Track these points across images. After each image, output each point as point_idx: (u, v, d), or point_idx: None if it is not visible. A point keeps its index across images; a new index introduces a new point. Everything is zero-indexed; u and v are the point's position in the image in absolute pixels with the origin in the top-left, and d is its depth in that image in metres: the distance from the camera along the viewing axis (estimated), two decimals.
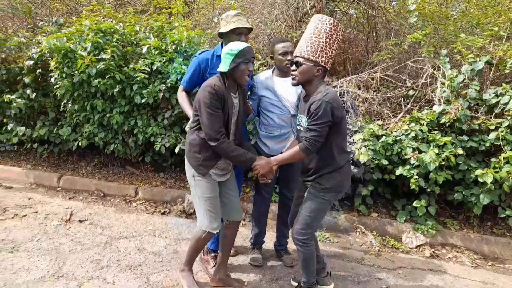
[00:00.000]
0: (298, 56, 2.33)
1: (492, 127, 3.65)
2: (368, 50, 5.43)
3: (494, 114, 3.71)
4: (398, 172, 3.77)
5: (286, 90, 2.95)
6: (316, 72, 2.31)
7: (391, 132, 3.98)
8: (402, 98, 4.40)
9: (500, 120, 3.63)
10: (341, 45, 5.72)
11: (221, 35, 2.84)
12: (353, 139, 3.96)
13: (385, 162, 3.80)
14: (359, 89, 4.55)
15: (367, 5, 5.15)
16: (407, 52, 4.66)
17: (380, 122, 4.14)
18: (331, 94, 2.22)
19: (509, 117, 3.57)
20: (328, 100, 2.19)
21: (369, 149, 3.83)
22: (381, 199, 4.44)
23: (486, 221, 4.13)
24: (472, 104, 3.87)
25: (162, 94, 4.10)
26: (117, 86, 4.12)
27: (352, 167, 3.93)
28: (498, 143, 3.61)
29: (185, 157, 2.55)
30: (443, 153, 3.63)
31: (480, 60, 3.89)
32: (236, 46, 2.32)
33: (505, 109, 3.62)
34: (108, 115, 4.27)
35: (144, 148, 4.77)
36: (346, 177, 2.45)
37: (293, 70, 2.37)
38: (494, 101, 3.73)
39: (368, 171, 3.99)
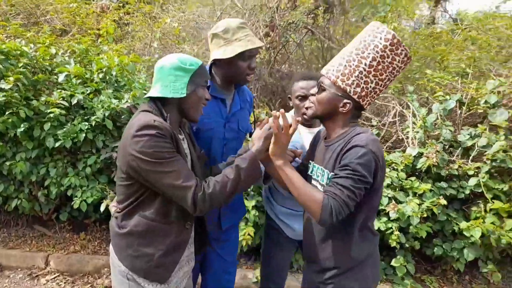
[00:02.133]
0: (324, 76, 1.56)
1: (471, 172, 3.30)
2: None
3: (471, 157, 3.38)
4: (375, 226, 3.23)
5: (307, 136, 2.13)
6: (342, 106, 1.51)
7: None
8: None
9: (478, 164, 3.30)
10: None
11: (216, 62, 1.87)
12: None
13: None
14: None
15: (323, 35, 4.77)
16: None
17: None
18: (376, 143, 1.45)
19: (488, 162, 3.24)
20: (374, 150, 1.41)
21: None
22: None
23: (464, 274, 3.73)
24: (446, 146, 3.52)
25: (84, 135, 3.19)
26: (22, 125, 3.14)
27: None
28: (477, 190, 3.27)
29: (113, 259, 1.58)
30: (423, 203, 3.18)
31: (451, 99, 3.59)
32: (190, 59, 1.55)
33: (484, 153, 3.30)
34: (8, 162, 3.23)
35: (60, 202, 3.74)
36: (377, 266, 1.68)
37: (312, 95, 1.60)
38: (469, 143, 3.41)
39: None
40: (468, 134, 3.45)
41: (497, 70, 3.86)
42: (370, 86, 1.48)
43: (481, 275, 3.67)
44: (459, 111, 3.61)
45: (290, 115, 2.20)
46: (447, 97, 3.60)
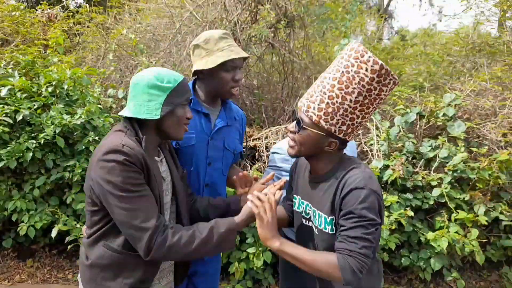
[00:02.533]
0: (302, 112, 1.39)
1: (434, 183, 3.38)
2: (284, 97, 5.01)
3: (433, 168, 3.47)
4: None
5: None
6: (328, 145, 1.39)
7: None
8: None
9: (441, 175, 3.40)
10: (255, 91, 5.23)
11: (198, 74, 1.77)
12: None
13: None
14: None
15: (284, 49, 4.77)
16: None
17: None
18: (373, 179, 1.33)
19: (450, 172, 3.35)
20: (375, 189, 1.30)
21: None
22: None
23: (429, 283, 3.79)
24: (410, 158, 3.60)
25: (31, 154, 2.87)
26: None
27: None
28: (441, 200, 3.35)
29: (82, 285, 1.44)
30: (391, 215, 3.20)
31: (411, 112, 3.69)
32: (169, 75, 1.38)
33: (445, 164, 3.40)
34: None
35: (3, 227, 3.34)
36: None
37: (291, 132, 1.43)
38: (431, 154, 3.51)
39: None
40: (429, 146, 3.55)
41: (451, 84, 4.04)
42: (357, 122, 1.36)
43: (446, 283, 3.75)
44: (419, 124, 3.72)
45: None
46: (408, 110, 3.70)
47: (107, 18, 4.53)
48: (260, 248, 3.13)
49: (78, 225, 2.99)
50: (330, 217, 1.38)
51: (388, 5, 10.95)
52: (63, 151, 3.09)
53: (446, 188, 3.28)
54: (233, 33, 4.17)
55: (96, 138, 3.09)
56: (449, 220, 3.28)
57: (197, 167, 1.79)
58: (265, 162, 3.82)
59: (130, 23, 4.51)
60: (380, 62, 1.29)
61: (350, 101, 1.31)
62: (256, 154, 3.94)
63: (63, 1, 4.72)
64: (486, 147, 3.39)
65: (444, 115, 3.59)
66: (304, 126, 1.37)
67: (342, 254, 1.27)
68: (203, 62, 1.68)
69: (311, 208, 1.49)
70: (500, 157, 3.16)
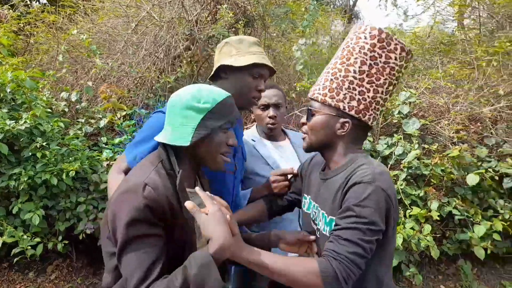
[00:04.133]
0: (312, 99, 1.30)
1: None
2: None
3: (389, 166, 3.53)
4: None
5: (284, 160, 1.91)
6: (341, 127, 1.23)
7: None
8: None
9: (396, 172, 3.46)
10: None
11: (221, 72, 1.61)
12: None
13: None
14: None
15: None
16: (296, 101, 4.33)
17: None
18: (385, 176, 1.13)
19: (405, 169, 3.41)
20: (385, 187, 1.08)
21: None
22: None
23: None
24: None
25: None
26: None
27: None
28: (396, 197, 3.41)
29: None
30: None
31: None
32: (209, 93, 1.18)
33: (401, 161, 3.46)
34: None
35: None
36: None
37: (303, 124, 1.32)
38: (387, 152, 3.56)
39: None
40: (386, 144, 3.60)
41: (407, 82, 4.12)
42: (368, 96, 1.20)
43: (404, 278, 3.82)
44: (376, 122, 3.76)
45: (250, 136, 2.03)
46: None
47: (59, 18, 4.35)
48: None
49: (25, 236, 2.85)
50: (330, 217, 1.22)
51: (354, 5, 11.14)
52: (8, 158, 2.94)
53: (401, 185, 3.34)
54: (190, 33, 4.10)
55: (44, 144, 2.96)
56: (405, 216, 3.34)
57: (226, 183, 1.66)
58: None
59: (83, 23, 4.35)
60: (378, 27, 1.21)
61: (354, 71, 1.20)
62: None
63: (13, 0, 4.50)
64: (437, 144, 3.47)
65: (399, 113, 3.65)
66: (312, 111, 1.27)
67: (326, 256, 1.07)
68: (233, 59, 1.56)
69: (317, 209, 1.32)
70: (451, 153, 3.24)
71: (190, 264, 1.02)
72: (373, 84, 1.20)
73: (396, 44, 1.20)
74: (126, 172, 1.45)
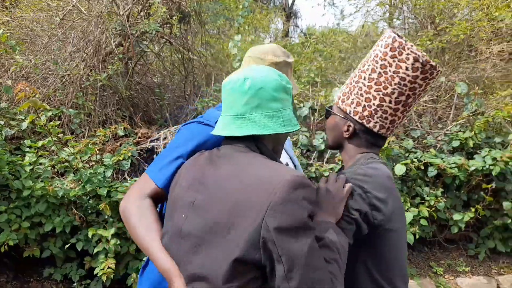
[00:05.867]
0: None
1: (326, 173, 3.56)
2: (186, 95, 4.89)
3: (325, 160, 3.65)
4: None
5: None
6: (346, 130, 1.27)
7: None
8: None
9: (332, 165, 3.59)
10: (156, 90, 5.02)
11: None
12: None
13: None
14: None
15: (182, 46, 4.63)
16: None
17: None
18: (368, 171, 1.15)
19: (340, 162, 3.55)
20: (358, 179, 1.13)
21: None
22: None
23: None
24: (304, 151, 3.74)
25: None
26: None
27: None
28: None
29: None
30: None
31: (304, 106, 3.84)
32: (280, 72, 1.08)
33: (336, 154, 3.60)
34: None
35: None
36: None
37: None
38: (323, 146, 3.68)
39: None
40: (322, 138, 3.72)
41: (340, 79, 4.29)
42: (374, 104, 1.21)
43: None
44: (312, 117, 3.88)
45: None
46: (301, 104, 3.84)
47: None
48: None
49: None
50: None
51: (292, 4, 11.39)
52: None
53: None
54: (122, 29, 3.92)
55: None
56: None
57: None
58: None
59: (0, 16, 3.98)
60: (394, 35, 1.21)
61: (364, 78, 1.23)
62: (155, 156, 3.77)
63: None
64: None
65: None
66: (329, 111, 1.35)
67: None
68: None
69: None
70: None
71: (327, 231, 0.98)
72: (380, 93, 1.21)
73: (408, 54, 1.17)
74: (154, 196, 1.21)
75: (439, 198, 3.67)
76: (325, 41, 6.12)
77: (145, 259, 1.40)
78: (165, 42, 4.62)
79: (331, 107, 1.36)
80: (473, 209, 3.63)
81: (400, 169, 3.33)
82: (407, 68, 1.17)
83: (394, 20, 5.89)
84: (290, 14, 10.11)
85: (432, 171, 3.70)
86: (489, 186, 3.56)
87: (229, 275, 0.86)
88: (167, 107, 4.70)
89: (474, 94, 3.83)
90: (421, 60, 1.17)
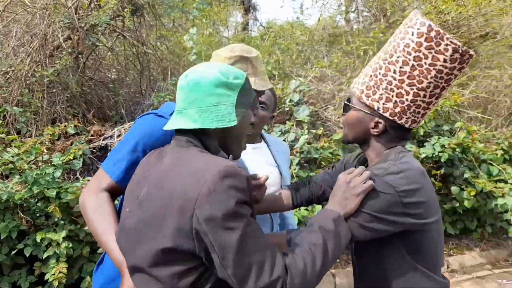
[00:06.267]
0: (351, 93, 1.26)
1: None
2: (143, 91, 4.75)
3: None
4: None
5: (258, 163, 1.71)
6: (374, 127, 1.19)
7: None
8: None
9: (291, 157, 3.62)
10: (110, 86, 4.85)
11: None
12: None
13: None
14: None
15: (136, 40, 4.48)
16: None
17: None
18: (402, 167, 1.10)
19: (297, 154, 3.58)
20: (393, 181, 1.06)
21: None
22: None
23: None
24: None
25: None
26: None
27: None
28: (292, 181, 3.59)
29: None
30: None
31: None
32: (234, 70, 1.08)
33: (294, 146, 3.63)
34: None
35: None
36: None
37: (342, 115, 1.30)
38: (281, 139, 3.71)
39: None
40: (280, 131, 3.75)
41: (297, 71, 4.33)
42: (407, 99, 1.12)
43: None
44: None
45: None
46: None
47: None
48: None
49: None
50: None
51: None
52: None
53: (295, 170, 3.50)
54: (71, 22, 3.74)
55: None
56: None
57: None
58: None
59: None
60: (428, 22, 1.08)
61: (394, 71, 1.11)
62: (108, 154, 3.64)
63: None
64: (322, 128, 3.72)
65: (290, 101, 3.82)
66: (349, 105, 1.24)
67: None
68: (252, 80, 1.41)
69: None
70: (335, 137, 3.50)
71: (323, 223, 1.04)
72: (414, 87, 1.11)
73: (447, 45, 1.06)
74: (110, 190, 1.23)
75: None
76: (283, 35, 6.17)
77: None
78: (118, 35, 4.45)
79: (349, 100, 1.26)
80: None
81: None
82: (445, 60, 1.08)
83: (349, 13, 6.02)
84: (249, 8, 10.05)
85: None
86: (438, 172, 3.74)
87: (160, 264, 0.91)
88: (123, 103, 4.54)
89: None
90: (460, 51, 1.07)
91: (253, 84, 1.38)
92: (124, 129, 3.75)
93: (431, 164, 3.82)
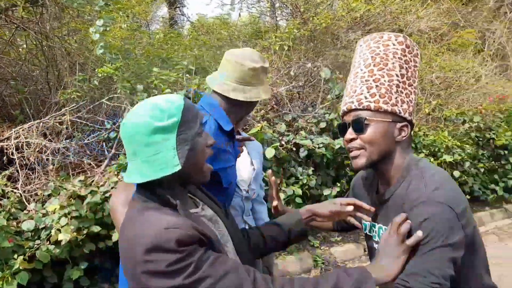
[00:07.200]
0: (357, 109, 1.18)
1: None
2: (50, 87, 4.38)
3: None
4: (115, 238, 2.99)
5: (239, 159, 1.79)
6: (399, 133, 1.18)
7: (98, 188, 3.16)
8: (104, 143, 3.69)
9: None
10: (11, 82, 4.41)
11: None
12: (47, 210, 2.88)
13: (96, 228, 2.93)
14: (46, 137, 3.47)
15: (39, 33, 4.12)
16: (100, 89, 3.99)
17: (82, 177, 3.24)
18: (446, 187, 1.10)
19: None
20: (450, 203, 1.04)
21: (72, 218, 2.85)
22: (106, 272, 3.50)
23: None
24: None
25: None
26: None
27: (52, 247, 2.85)
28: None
29: None
30: None
31: (179, 94, 3.74)
32: (167, 105, 0.97)
33: None
34: None
35: None
36: None
37: (351, 140, 1.19)
38: None
39: (76, 245, 3.00)
40: None
41: (215, 66, 4.28)
42: (412, 98, 1.22)
43: None
44: None
45: None
46: (174, 93, 3.73)
47: None
48: (7, 271, 2.61)
49: None
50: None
51: None
52: None
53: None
54: None
55: None
56: None
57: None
58: (18, 166, 3.21)
59: None
60: (401, 34, 1.27)
61: (397, 75, 1.19)
62: (5, 158, 3.28)
63: None
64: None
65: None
66: (366, 121, 1.16)
67: None
68: (238, 93, 1.50)
69: (379, 226, 1.27)
70: (253, 130, 3.53)
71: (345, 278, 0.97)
72: (412, 87, 1.23)
73: (417, 50, 1.26)
74: None
75: (310, 177, 3.94)
76: (209, 31, 6.10)
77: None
78: (17, 27, 4.05)
79: (359, 119, 1.18)
80: (339, 184, 3.97)
81: (269, 152, 3.46)
82: (418, 62, 1.27)
83: (269, 9, 6.11)
84: (174, 2, 9.80)
85: (303, 152, 3.94)
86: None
87: None
88: (30, 101, 4.16)
89: (336, 78, 4.16)
90: (416, 47, 1.30)
91: (262, 92, 1.53)
92: (24, 131, 3.41)
93: (346, 155, 4.00)
